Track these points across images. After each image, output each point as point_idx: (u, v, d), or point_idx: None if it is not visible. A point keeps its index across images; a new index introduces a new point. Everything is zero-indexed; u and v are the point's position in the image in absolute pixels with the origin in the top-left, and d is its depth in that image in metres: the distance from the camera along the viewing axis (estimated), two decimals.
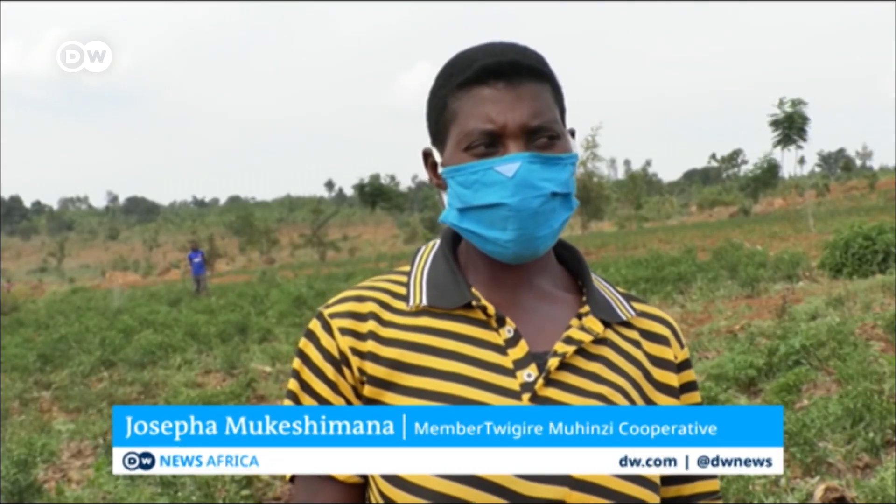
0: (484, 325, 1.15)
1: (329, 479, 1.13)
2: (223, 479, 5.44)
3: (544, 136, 1.12)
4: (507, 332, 1.14)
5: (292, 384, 1.18)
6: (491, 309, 1.14)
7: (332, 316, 1.17)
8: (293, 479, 1.16)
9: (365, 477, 1.14)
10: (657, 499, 1.12)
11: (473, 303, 1.15)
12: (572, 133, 1.21)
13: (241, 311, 16.65)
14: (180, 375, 10.50)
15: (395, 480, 1.08)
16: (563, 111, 1.19)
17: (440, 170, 1.18)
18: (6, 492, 5.52)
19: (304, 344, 1.18)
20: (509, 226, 1.11)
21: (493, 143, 1.12)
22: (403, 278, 1.21)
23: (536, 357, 1.13)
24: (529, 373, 1.11)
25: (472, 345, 1.13)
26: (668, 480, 1.19)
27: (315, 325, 1.18)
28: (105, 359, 11.92)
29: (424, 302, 1.16)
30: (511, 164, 1.10)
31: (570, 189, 1.14)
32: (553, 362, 1.12)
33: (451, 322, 1.15)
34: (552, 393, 1.11)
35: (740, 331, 9.45)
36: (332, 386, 1.14)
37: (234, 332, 13.65)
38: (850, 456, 5.11)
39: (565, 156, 1.14)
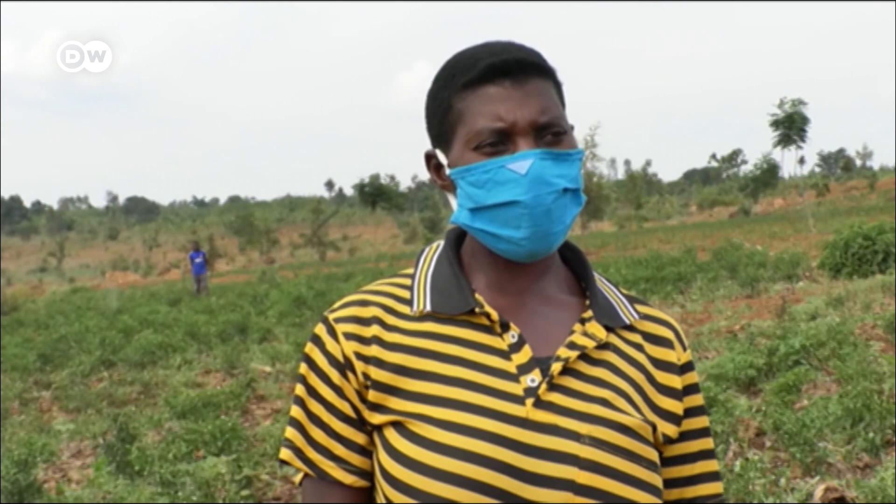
0: (488, 329, 1.14)
1: (336, 482, 1.14)
2: (223, 478, 5.45)
3: (552, 133, 1.12)
4: (511, 337, 1.14)
5: (299, 389, 1.18)
6: (494, 315, 1.14)
7: (337, 321, 1.16)
8: (301, 482, 1.17)
9: (371, 480, 1.14)
10: (660, 502, 1.12)
11: (477, 309, 1.14)
12: (572, 129, 1.21)
13: (241, 311, 16.65)
14: (180, 375, 10.50)
15: (398, 485, 1.08)
16: (564, 107, 1.19)
17: (447, 171, 1.17)
18: (6, 492, 5.52)
19: (310, 349, 1.18)
20: (523, 223, 1.10)
21: (502, 141, 1.11)
22: (408, 281, 1.21)
23: (540, 362, 1.12)
24: (533, 378, 1.11)
25: (476, 350, 1.13)
26: (670, 483, 1.19)
27: (320, 329, 1.18)
28: (105, 359, 11.92)
29: (428, 307, 1.16)
30: (524, 162, 1.09)
31: (579, 184, 1.14)
32: (556, 367, 1.11)
33: (455, 327, 1.15)
34: (555, 398, 1.10)
35: (740, 331, 9.45)
36: (338, 391, 1.14)
37: (234, 332, 13.66)
38: (850, 456, 5.11)
39: (574, 151, 1.14)
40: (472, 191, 1.13)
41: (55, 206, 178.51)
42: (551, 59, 1.20)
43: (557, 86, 1.18)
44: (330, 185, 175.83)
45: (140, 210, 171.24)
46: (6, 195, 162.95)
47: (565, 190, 1.12)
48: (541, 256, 1.15)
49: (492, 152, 1.12)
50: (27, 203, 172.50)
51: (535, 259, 1.15)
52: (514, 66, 1.12)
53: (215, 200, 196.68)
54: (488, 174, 1.11)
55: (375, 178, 49.84)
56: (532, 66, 1.14)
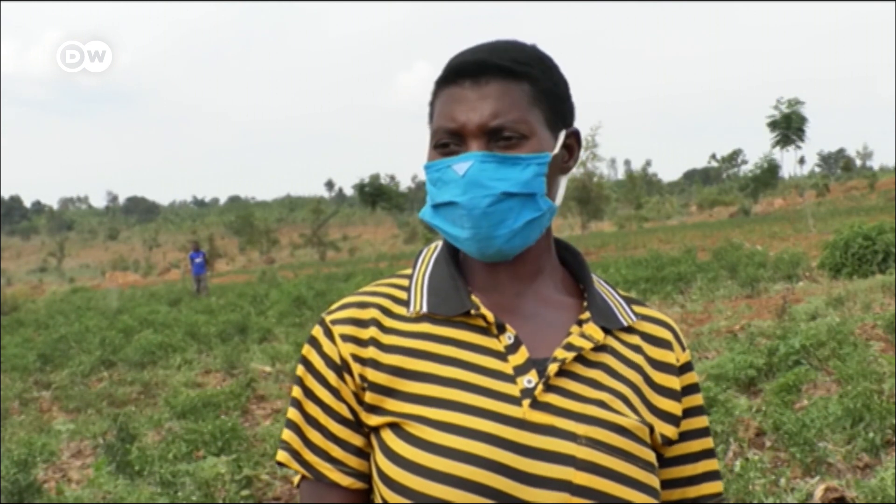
0: (484, 331, 1.14)
1: (333, 484, 1.14)
2: (223, 478, 5.44)
3: (506, 136, 1.12)
4: (508, 338, 1.14)
5: (296, 391, 1.18)
6: (490, 317, 1.14)
7: (334, 322, 1.17)
8: (299, 484, 1.18)
9: (368, 481, 1.14)
10: (656, 503, 1.12)
11: (473, 311, 1.14)
12: (575, 135, 1.19)
13: (241, 311, 16.65)
14: (180, 375, 10.50)
15: (395, 486, 1.08)
16: (556, 112, 1.17)
17: None
18: (6, 492, 5.52)
19: (307, 350, 1.18)
20: (465, 224, 1.12)
21: (456, 141, 1.13)
22: (405, 282, 1.21)
23: (536, 363, 1.12)
24: (529, 379, 1.11)
25: (473, 351, 1.13)
26: (671, 483, 1.20)
27: (317, 331, 1.18)
28: (105, 359, 11.91)
29: (425, 309, 1.16)
30: (464, 163, 1.11)
31: (532, 189, 1.12)
32: (552, 368, 1.11)
33: (452, 328, 1.15)
34: (552, 399, 1.10)
35: (740, 331, 9.45)
36: (335, 392, 1.15)
37: (234, 332, 13.65)
38: (850, 456, 5.10)
39: (527, 156, 1.11)
40: (430, 188, 1.15)
41: (55, 206, 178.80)
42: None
43: (541, 90, 1.15)
44: (330, 185, 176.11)
45: (140, 210, 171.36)
46: (6, 195, 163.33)
47: (507, 194, 1.10)
48: (496, 258, 1.14)
49: (445, 152, 1.14)
50: (27, 203, 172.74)
51: (491, 260, 1.15)
52: (473, 67, 1.13)
53: (215, 200, 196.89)
54: (438, 173, 1.13)
55: (375, 178, 49.82)
56: (495, 68, 1.13)
